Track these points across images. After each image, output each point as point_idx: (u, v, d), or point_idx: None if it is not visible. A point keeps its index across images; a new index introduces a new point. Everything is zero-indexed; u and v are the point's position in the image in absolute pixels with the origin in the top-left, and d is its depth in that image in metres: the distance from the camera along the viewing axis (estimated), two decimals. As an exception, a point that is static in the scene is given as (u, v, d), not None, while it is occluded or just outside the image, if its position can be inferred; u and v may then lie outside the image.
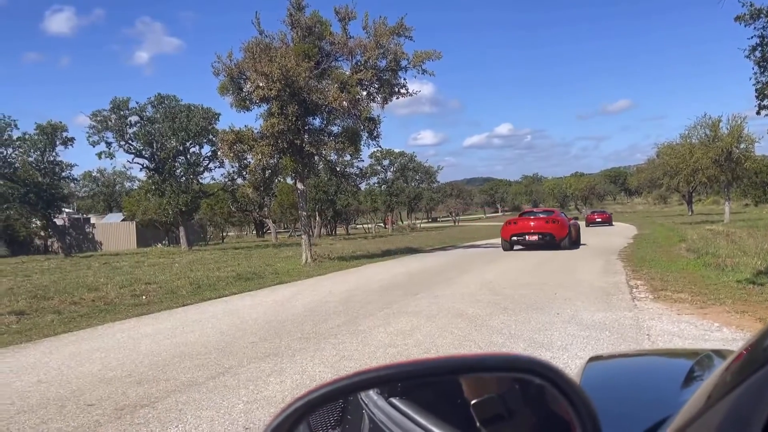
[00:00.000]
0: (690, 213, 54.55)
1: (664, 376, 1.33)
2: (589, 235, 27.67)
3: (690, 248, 15.87)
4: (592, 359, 1.46)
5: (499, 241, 20.23)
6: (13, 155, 32.69)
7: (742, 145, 34.97)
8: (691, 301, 7.80)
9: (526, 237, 19.24)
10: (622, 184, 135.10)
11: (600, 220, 46.33)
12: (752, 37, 15.97)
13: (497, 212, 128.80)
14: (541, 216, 20.10)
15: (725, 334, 5.86)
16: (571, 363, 4.83)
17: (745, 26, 15.67)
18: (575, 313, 7.28)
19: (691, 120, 38.10)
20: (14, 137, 32.35)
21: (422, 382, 1.00)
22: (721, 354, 1.31)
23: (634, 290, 9.11)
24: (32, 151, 32.85)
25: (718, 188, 39.80)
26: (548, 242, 18.94)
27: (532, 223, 19.54)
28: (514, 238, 19.53)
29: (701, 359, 1.32)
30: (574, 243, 19.81)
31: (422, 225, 77.32)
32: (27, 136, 32.68)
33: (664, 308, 7.42)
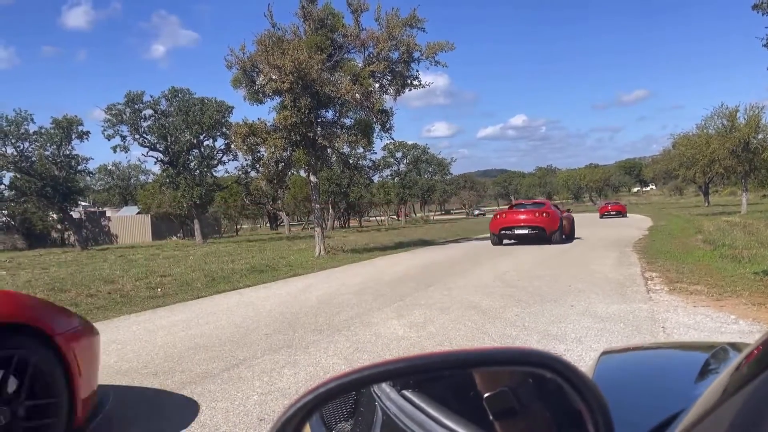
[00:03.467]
0: (706, 204, 54.03)
1: (678, 369, 1.32)
2: (601, 226, 27.51)
3: (706, 240, 15.73)
4: (605, 352, 1.45)
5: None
6: (29, 149, 33.02)
7: (760, 135, 34.53)
8: (707, 293, 7.73)
9: (610, 213, 44.68)
10: (637, 176, 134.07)
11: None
12: (770, 26, 15.73)
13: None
14: (615, 204, 48.31)
15: (741, 327, 5.81)
16: (585, 355, 4.82)
17: (763, 15, 15.45)
18: (589, 305, 7.24)
19: (708, 110, 37.58)
20: (31, 131, 32.70)
21: (433, 376, 1.00)
22: (736, 347, 1.30)
23: (649, 282, 9.04)
24: (48, 144, 33.16)
25: (735, 179, 39.34)
26: (620, 215, 42.46)
27: (610, 206, 47.18)
28: (605, 213, 45.50)
29: (716, 352, 1.30)
30: (624, 215, 41.43)
31: (435, 217, 77.17)
32: (43, 130, 32.99)
33: (679, 300, 7.36)
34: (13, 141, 32.18)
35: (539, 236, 17.88)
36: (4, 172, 33.39)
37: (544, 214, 18.10)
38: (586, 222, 37.09)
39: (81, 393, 3.04)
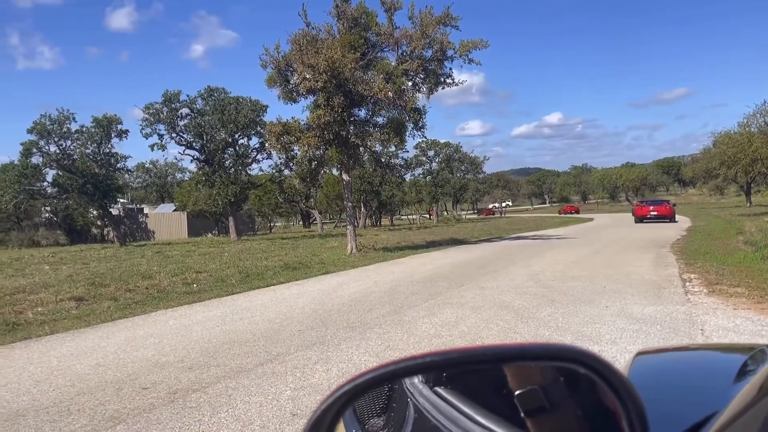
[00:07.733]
0: (749, 205, 52.40)
1: (715, 370, 1.30)
2: (636, 227, 26.91)
3: (748, 241, 15.28)
4: (640, 353, 1.43)
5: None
6: (71, 147, 33.86)
7: (805, 134, 33.39)
8: (748, 296, 7.52)
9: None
10: (676, 175, 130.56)
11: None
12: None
13: (545, 203, 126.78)
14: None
15: (784, 331, 5.64)
16: (620, 357, 4.74)
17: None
18: (625, 306, 7.12)
19: (751, 108, 36.51)
20: (72, 130, 33.54)
21: (467, 371, 1.00)
22: None
23: (687, 284, 8.84)
24: (89, 143, 33.96)
25: (779, 179, 38.10)
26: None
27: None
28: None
29: (755, 354, 1.28)
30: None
31: (467, 216, 76.57)
32: (84, 129, 33.81)
33: (719, 302, 7.19)
34: (55, 139, 33.05)
35: None
36: (48, 169, 34.35)
37: None
38: (619, 222, 36.54)
39: None
